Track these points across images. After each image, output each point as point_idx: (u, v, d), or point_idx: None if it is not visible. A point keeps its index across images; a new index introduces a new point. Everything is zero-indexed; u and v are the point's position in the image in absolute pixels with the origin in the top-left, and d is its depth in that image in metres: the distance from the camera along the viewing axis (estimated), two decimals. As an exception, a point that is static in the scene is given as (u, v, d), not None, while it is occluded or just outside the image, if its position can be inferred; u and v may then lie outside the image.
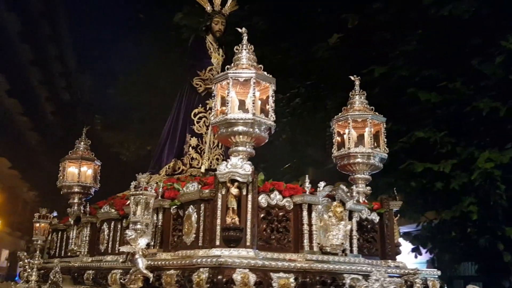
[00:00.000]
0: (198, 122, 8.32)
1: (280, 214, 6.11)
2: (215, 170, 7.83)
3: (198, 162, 8.10)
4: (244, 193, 5.79)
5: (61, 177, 9.27)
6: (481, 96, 11.01)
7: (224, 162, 5.88)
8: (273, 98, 6.22)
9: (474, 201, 11.02)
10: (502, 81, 10.97)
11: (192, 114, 8.37)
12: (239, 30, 6.43)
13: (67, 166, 9.24)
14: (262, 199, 6.02)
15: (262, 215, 6.00)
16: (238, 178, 5.74)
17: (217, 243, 5.68)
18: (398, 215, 7.13)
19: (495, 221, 11.29)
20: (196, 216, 6.08)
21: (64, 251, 8.94)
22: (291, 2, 13.28)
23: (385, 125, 7.33)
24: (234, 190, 5.76)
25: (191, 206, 6.18)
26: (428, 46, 11.98)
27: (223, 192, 5.81)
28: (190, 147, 8.20)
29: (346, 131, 7.20)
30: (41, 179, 31.47)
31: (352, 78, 7.64)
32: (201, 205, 6.05)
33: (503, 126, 11.33)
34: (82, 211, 8.21)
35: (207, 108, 8.33)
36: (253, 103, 5.99)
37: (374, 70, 12.12)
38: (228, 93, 6.04)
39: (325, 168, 13.45)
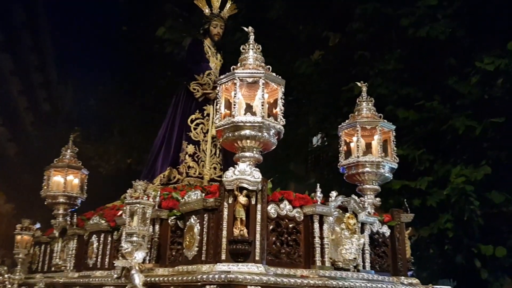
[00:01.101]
0: (195, 129, 7.45)
1: (290, 226, 5.36)
2: (213, 180, 7.11)
3: (195, 171, 7.24)
4: (253, 202, 5.04)
5: (45, 187, 8.31)
6: (457, 115, 10.62)
7: (231, 168, 5.11)
8: (283, 101, 5.50)
9: (451, 219, 10.53)
10: (477, 100, 10.63)
11: (189, 120, 7.52)
12: (245, 29, 5.71)
13: (52, 175, 8.29)
14: (272, 209, 5.26)
15: (271, 227, 5.24)
16: (247, 186, 4.98)
17: (223, 257, 4.90)
18: (410, 228, 6.41)
19: (471, 239, 10.82)
20: (199, 228, 5.27)
21: (48, 266, 7.94)
22: (274, 18, 12.77)
23: (394, 133, 6.64)
24: (242, 199, 4.98)
25: (193, 216, 5.37)
26: (406, 65, 11.58)
27: (230, 201, 5.04)
28: (187, 155, 7.33)
29: (354, 139, 6.46)
30: (19, 191, 30.17)
31: (359, 84, 6.97)
32: (205, 215, 5.25)
33: (479, 144, 10.95)
34: (68, 223, 7.32)
35: (205, 114, 7.54)
36: (262, 105, 5.26)
37: (354, 87, 11.57)
38: (235, 94, 5.29)
39: (307, 183, 12.93)
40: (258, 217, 5.01)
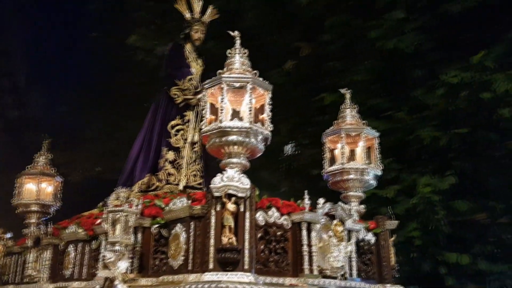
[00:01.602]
0: (175, 135, 7.07)
1: (278, 233, 5.11)
2: (192, 187, 6.78)
3: (175, 178, 6.85)
4: (242, 209, 4.76)
5: (17, 195, 7.76)
6: (424, 126, 10.64)
7: (219, 174, 4.83)
8: (270, 107, 5.24)
9: (417, 227, 10.48)
10: (443, 111, 10.64)
11: (169, 126, 7.13)
12: (231, 33, 5.43)
13: (25, 182, 7.75)
14: (260, 217, 5.01)
15: (259, 235, 4.98)
16: (236, 193, 4.71)
17: (211, 266, 4.60)
18: (394, 236, 6.20)
19: (437, 247, 10.77)
20: (185, 236, 4.98)
21: (21, 277, 7.37)
22: (246, 27, 12.56)
23: (378, 140, 6.44)
24: (231, 206, 4.70)
25: (179, 224, 5.07)
26: (375, 76, 11.58)
27: (218, 208, 4.75)
28: (167, 162, 6.94)
29: (339, 146, 6.22)
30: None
31: (342, 91, 6.75)
32: (191, 223, 4.96)
33: (444, 154, 10.93)
34: (42, 232, 6.86)
35: (185, 121, 7.15)
36: (250, 110, 4.99)
37: (324, 97, 11.54)
38: (222, 99, 5.01)
39: (280, 191, 12.69)
40: (247, 224, 4.74)
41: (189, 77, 7.18)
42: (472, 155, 10.69)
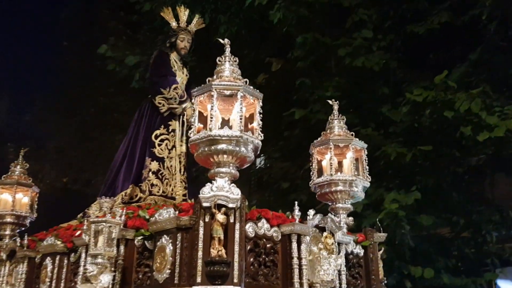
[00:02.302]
0: (159, 145, 6.62)
1: (268, 246, 4.71)
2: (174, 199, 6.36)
3: (159, 189, 6.38)
4: (232, 220, 4.37)
5: (-10, 205, 7.25)
6: (390, 142, 10.44)
7: (208, 184, 4.45)
8: (261, 116, 4.90)
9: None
10: (408, 128, 10.50)
11: (153, 135, 6.68)
12: (221, 41, 5.10)
13: (-1, 193, 7.30)
14: (250, 228, 4.61)
15: (249, 247, 4.58)
16: (226, 203, 4.33)
17: (199, 280, 4.22)
18: (383, 249, 5.88)
19: (402, 261, 10.56)
20: (171, 248, 4.55)
21: (-6, 291, 6.90)
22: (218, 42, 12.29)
23: (366, 152, 6.12)
24: (220, 217, 4.32)
25: (165, 236, 4.63)
26: (343, 93, 11.27)
27: (207, 219, 4.36)
28: (150, 172, 6.48)
29: (327, 157, 5.84)
30: None
31: (330, 102, 6.43)
32: (178, 235, 4.54)
33: (409, 170, 10.71)
34: (18, 244, 6.27)
35: (170, 130, 6.73)
36: (241, 119, 4.64)
37: (295, 112, 11.28)
38: (212, 107, 4.64)
39: (251, 204, 12.35)
40: (237, 236, 4.36)
41: (175, 85, 6.73)
42: (435, 171, 10.55)
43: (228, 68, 4.86)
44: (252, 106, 4.89)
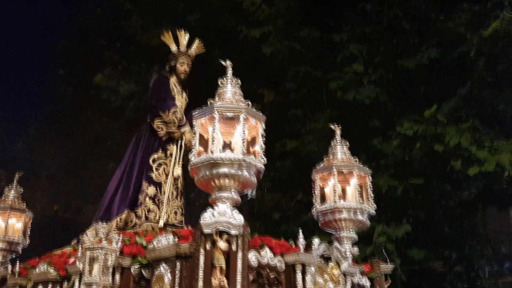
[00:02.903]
0: (157, 169, 6.24)
1: (272, 276, 4.32)
2: (173, 225, 5.93)
3: (156, 215, 5.97)
4: (234, 248, 4.00)
5: (-18, 231, 6.68)
6: (381, 174, 10.08)
7: (209, 209, 4.10)
8: (263, 138, 4.58)
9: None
10: (399, 161, 10.15)
11: (151, 159, 6.30)
12: (223, 62, 4.81)
13: (-8, 218, 6.73)
14: (252, 257, 4.24)
15: (251, 277, 4.20)
16: (228, 230, 3.98)
17: (198, 312, 3.82)
18: (389, 281, 5.49)
19: (395, 295, 10.24)
20: (170, 277, 4.15)
21: (-17, 320, 6.33)
22: (212, 72, 12.10)
23: (370, 179, 5.74)
24: (222, 245, 3.96)
25: (163, 264, 4.25)
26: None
27: (208, 247, 3.98)
28: (147, 197, 6.05)
29: (330, 183, 5.44)
30: None
31: (332, 127, 6.12)
32: (177, 263, 4.15)
33: (401, 202, 10.28)
34: (9, 271, 5.78)
35: (168, 154, 6.36)
36: (243, 141, 4.31)
37: (287, 143, 11.08)
38: (213, 129, 4.32)
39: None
40: (239, 265, 3.98)
41: (174, 109, 6.37)
42: (427, 204, 10.21)
43: (230, 90, 4.55)
44: (255, 129, 4.56)
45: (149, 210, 5.99)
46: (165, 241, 4.26)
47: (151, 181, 6.19)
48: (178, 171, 6.20)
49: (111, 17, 13.75)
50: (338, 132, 5.94)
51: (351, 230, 5.31)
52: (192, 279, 3.97)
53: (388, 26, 10.71)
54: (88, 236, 4.56)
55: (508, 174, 9.15)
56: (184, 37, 6.90)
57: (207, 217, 4.01)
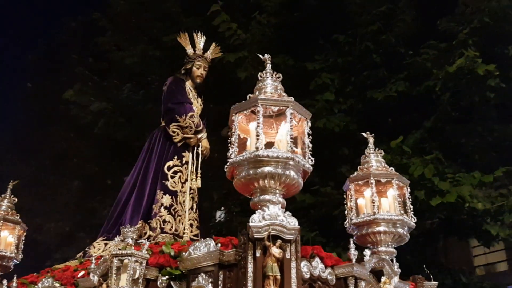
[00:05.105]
0: (172, 177, 5.40)
1: (324, 291, 3.60)
2: (190, 239, 5.05)
3: (172, 226, 5.11)
4: (288, 256, 3.27)
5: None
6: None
7: (258, 211, 3.35)
8: (310, 138, 3.89)
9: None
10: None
11: (166, 167, 5.47)
12: (261, 56, 4.13)
13: (-17, 230, 5.57)
14: (304, 268, 3.51)
15: (304, 292, 3.46)
16: (282, 235, 3.25)
17: (250, 331, 3.05)
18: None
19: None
20: (211, 290, 3.34)
21: None
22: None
23: (408, 190, 5.00)
24: (276, 251, 3.21)
25: (202, 275, 3.44)
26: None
27: (258, 254, 3.23)
28: (162, 207, 5.20)
29: (366, 194, 4.73)
30: None
31: (365, 135, 5.48)
32: (220, 273, 3.36)
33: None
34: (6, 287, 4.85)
35: (183, 162, 5.55)
36: (292, 138, 3.61)
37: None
38: (258, 124, 3.59)
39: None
40: (293, 275, 3.23)
41: (191, 113, 5.62)
42: (391, 231, 9.82)
43: (270, 84, 3.89)
44: (301, 127, 3.89)
45: (164, 221, 5.14)
46: (204, 247, 3.48)
47: (166, 190, 5.37)
48: (197, 182, 5.47)
49: (85, 32, 12.84)
50: (371, 140, 5.27)
51: (390, 244, 4.56)
52: (237, 291, 3.21)
53: (360, 58, 10.45)
54: (95, 250, 3.68)
55: (469, 205, 8.95)
56: (200, 40, 6.21)
57: (256, 220, 3.28)
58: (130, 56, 10.78)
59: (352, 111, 10.41)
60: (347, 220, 4.80)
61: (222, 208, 12.05)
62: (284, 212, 3.39)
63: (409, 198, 4.84)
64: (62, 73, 12.61)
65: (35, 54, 15.13)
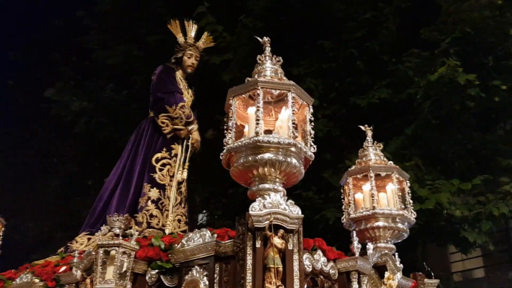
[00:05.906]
0: (160, 170, 4.97)
1: (326, 285, 3.25)
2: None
3: (159, 221, 4.69)
4: (290, 247, 2.92)
5: None
6: (329, 206, 9.40)
7: (259, 199, 3.00)
8: (312, 125, 3.57)
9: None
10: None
11: (154, 159, 5.03)
12: (259, 39, 3.78)
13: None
14: (306, 260, 3.18)
15: (305, 286, 3.10)
16: (285, 224, 2.90)
17: (247, 326, 2.69)
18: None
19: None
20: (207, 283, 2.97)
21: None
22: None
23: (408, 184, 4.68)
24: (278, 241, 2.86)
25: (197, 267, 3.07)
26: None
27: (258, 245, 2.87)
28: (149, 201, 4.77)
29: (364, 188, 4.41)
30: None
31: (363, 128, 5.16)
32: (216, 265, 2.99)
33: (347, 235, 9.70)
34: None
35: (172, 154, 5.12)
36: (293, 124, 3.29)
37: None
38: (258, 108, 3.26)
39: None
40: (296, 268, 2.89)
41: (181, 104, 5.18)
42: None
43: (270, 67, 3.55)
44: (302, 112, 3.58)
45: (151, 216, 4.72)
46: (199, 238, 3.11)
47: (154, 183, 4.94)
48: (183, 174, 5.05)
49: (68, 30, 12.28)
50: (369, 133, 4.92)
51: (389, 240, 4.22)
52: (234, 286, 2.85)
53: (344, 64, 10.21)
54: (77, 245, 3.29)
55: (447, 212, 8.78)
56: (192, 28, 5.77)
57: (257, 207, 2.92)
58: (113, 56, 10.36)
59: (335, 116, 10.18)
60: (344, 216, 4.47)
61: (204, 211, 11.63)
62: (288, 200, 3.06)
63: (408, 193, 4.51)
64: (44, 71, 12.10)
65: (17, 51, 14.49)
